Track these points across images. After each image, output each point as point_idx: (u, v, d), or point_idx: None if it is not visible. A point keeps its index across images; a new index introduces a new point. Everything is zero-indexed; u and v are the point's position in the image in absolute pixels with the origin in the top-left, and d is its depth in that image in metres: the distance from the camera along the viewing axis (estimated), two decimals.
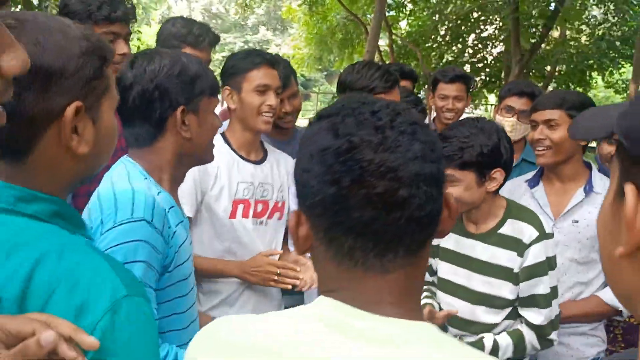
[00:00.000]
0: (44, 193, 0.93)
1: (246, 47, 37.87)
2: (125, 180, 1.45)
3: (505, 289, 1.93)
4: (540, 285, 1.91)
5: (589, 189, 2.29)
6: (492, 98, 17.60)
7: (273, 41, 36.75)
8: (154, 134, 1.50)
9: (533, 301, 1.92)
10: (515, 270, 1.92)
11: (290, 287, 2.15)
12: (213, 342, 0.82)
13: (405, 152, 0.74)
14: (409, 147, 0.74)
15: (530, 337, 1.93)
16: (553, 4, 12.61)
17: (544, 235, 1.92)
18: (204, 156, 1.63)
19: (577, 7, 12.92)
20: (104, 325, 0.83)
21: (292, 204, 2.41)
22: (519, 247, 1.92)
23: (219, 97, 1.77)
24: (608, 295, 2.23)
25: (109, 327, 0.83)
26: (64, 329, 0.77)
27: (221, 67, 2.30)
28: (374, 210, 0.73)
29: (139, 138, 1.53)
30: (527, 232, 1.92)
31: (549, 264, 1.93)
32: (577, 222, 2.27)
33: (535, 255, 1.90)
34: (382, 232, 0.75)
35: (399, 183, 0.73)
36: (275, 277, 2.12)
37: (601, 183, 2.32)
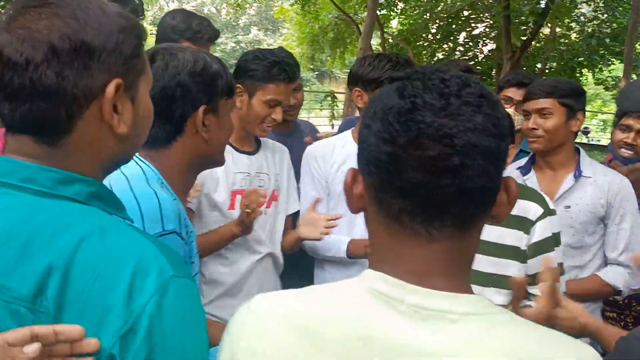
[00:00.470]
0: (81, 175, 0.90)
1: (238, 47, 37.83)
2: (144, 183, 1.33)
3: (513, 268, 1.95)
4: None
5: (578, 174, 2.33)
6: None
7: (265, 41, 36.73)
8: (172, 134, 1.39)
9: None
10: (523, 247, 1.94)
11: (262, 203, 2.13)
12: (256, 322, 0.80)
13: (465, 122, 0.72)
14: (471, 118, 0.73)
15: None
16: (543, 2, 12.67)
17: (548, 212, 1.96)
18: (217, 159, 1.53)
19: (567, 4, 12.98)
20: (152, 306, 0.81)
21: (297, 202, 2.44)
22: (525, 224, 1.94)
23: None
24: (609, 275, 2.28)
25: (156, 308, 0.81)
26: (72, 334, 0.77)
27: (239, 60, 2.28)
28: (424, 174, 0.73)
29: (154, 138, 1.37)
30: (532, 209, 1.95)
31: (555, 239, 1.96)
32: (569, 207, 2.30)
33: (541, 231, 1.93)
34: (431, 197, 0.74)
35: (453, 150, 0.72)
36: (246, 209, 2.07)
37: (590, 167, 2.36)
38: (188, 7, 36.58)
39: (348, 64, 18.34)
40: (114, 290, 0.80)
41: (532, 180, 2.39)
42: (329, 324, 0.76)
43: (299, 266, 2.37)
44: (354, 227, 2.31)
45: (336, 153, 2.40)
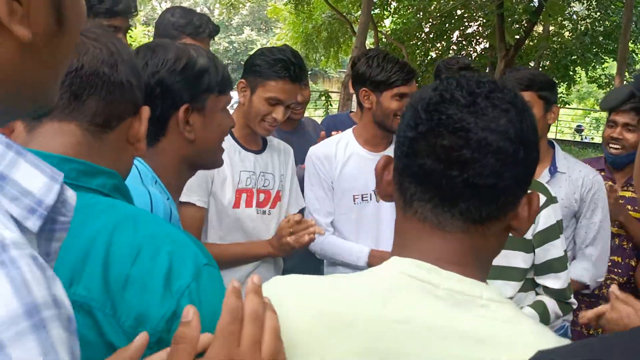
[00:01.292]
0: (104, 167, 0.95)
1: (231, 47, 37.75)
2: (137, 182, 1.31)
3: (519, 258, 1.95)
4: (554, 250, 1.94)
5: (553, 170, 2.35)
6: None
7: (258, 41, 36.67)
8: (156, 134, 1.36)
9: (550, 267, 1.95)
10: (528, 237, 1.94)
11: (312, 239, 2.09)
12: (275, 305, 0.79)
13: (487, 121, 0.75)
14: (494, 120, 0.76)
15: (552, 305, 1.96)
16: (537, 0, 12.69)
17: (551, 200, 1.96)
18: (211, 160, 1.50)
19: (560, 3, 13.02)
20: (191, 291, 0.83)
21: (304, 203, 2.42)
22: None
23: (234, 93, 1.70)
24: (577, 271, 2.31)
25: (195, 292, 0.84)
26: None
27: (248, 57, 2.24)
28: (435, 161, 0.76)
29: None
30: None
31: (559, 227, 1.97)
32: None
33: (546, 219, 1.94)
34: (440, 185, 0.77)
35: (466, 142, 0.75)
36: (290, 237, 2.07)
37: (565, 162, 2.38)
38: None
39: (342, 63, 18.33)
40: (154, 274, 0.82)
41: None
42: (358, 307, 0.78)
43: (303, 267, 2.33)
44: (379, 245, 2.33)
45: (339, 152, 2.41)
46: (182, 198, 1.89)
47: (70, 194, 0.59)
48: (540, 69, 15.49)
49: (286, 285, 0.85)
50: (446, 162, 0.75)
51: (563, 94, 17.62)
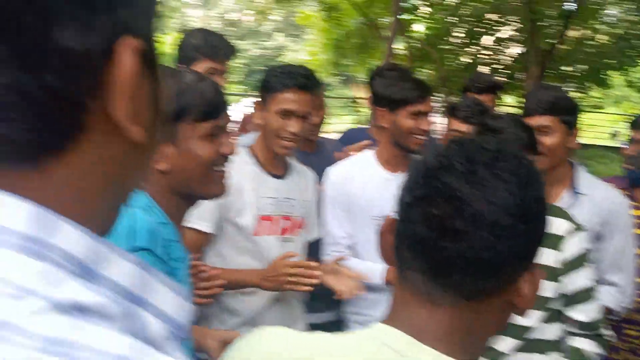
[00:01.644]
0: None
1: (262, 53, 38.01)
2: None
3: (547, 290, 1.86)
4: (583, 279, 1.86)
5: (574, 191, 2.26)
6: (510, 99, 17.47)
7: (289, 47, 36.88)
8: None
9: (578, 298, 1.87)
10: (554, 265, 1.86)
11: (308, 289, 2.04)
12: (259, 356, 0.80)
13: (485, 192, 0.72)
14: (492, 191, 0.72)
15: (588, 346, 1.87)
16: (569, 4, 12.50)
17: (578, 228, 1.90)
18: (201, 191, 1.39)
19: (593, 6, 12.80)
20: None
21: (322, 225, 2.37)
22: (553, 241, 1.87)
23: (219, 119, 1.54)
24: (601, 296, 2.18)
25: None
26: None
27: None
28: (428, 230, 0.74)
29: None
30: (560, 225, 1.88)
31: (587, 256, 1.90)
32: None
33: (575, 247, 1.87)
34: (433, 257, 0.74)
35: (459, 213, 0.72)
36: (290, 279, 2.01)
37: (587, 184, 2.28)
38: (212, 14, 36.97)
39: (371, 69, 18.27)
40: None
41: None
42: None
43: (323, 294, 2.22)
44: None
45: (358, 173, 2.35)
46: (186, 223, 1.87)
47: None
48: (575, 74, 15.24)
49: (263, 339, 0.83)
50: (439, 232, 0.73)
51: (597, 98, 17.31)
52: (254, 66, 35.79)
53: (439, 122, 5.41)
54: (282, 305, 2.19)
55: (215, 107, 1.37)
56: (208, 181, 1.38)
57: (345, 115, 18.29)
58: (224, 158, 1.40)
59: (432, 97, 2.37)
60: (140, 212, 1.27)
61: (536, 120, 2.24)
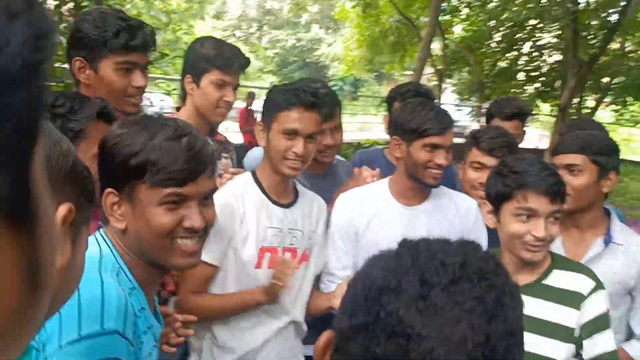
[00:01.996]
0: None
1: (298, 44, 38.07)
2: (94, 269, 1.17)
3: (553, 347, 1.76)
4: (606, 342, 1.75)
5: (608, 240, 2.14)
6: (546, 107, 17.21)
7: (325, 40, 36.83)
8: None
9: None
10: (571, 325, 1.76)
11: (288, 276, 1.95)
12: None
13: (440, 326, 0.58)
14: (449, 324, 0.58)
15: None
16: (614, 15, 12.24)
17: (600, 285, 1.78)
18: (160, 261, 1.27)
19: (638, 19, 12.52)
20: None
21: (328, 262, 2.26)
22: (573, 299, 1.76)
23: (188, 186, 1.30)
24: (634, 351, 2.11)
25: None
26: None
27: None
28: (375, 345, 0.60)
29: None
30: (581, 282, 1.78)
31: (609, 316, 1.78)
32: None
33: (596, 306, 1.76)
34: None
35: (404, 353, 0.58)
36: (276, 282, 1.95)
37: (621, 233, 2.16)
38: (251, 3, 37.06)
39: (408, 67, 18.18)
40: None
41: (556, 240, 2.21)
42: None
43: (322, 325, 2.20)
44: None
45: (370, 203, 2.22)
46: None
47: None
48: (613, 86, 14.94)
49: None
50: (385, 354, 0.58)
51: (636, 113, 16.95)
52: (289, 57, 35.85)
53: (469, 127, 5.28)
54: (277, 345, 2.10)
55: (183, 174, 1.21)
56: (167, 253, 1.26)
57: (376, 115, 18.18)
58: (189, 231, 1.25)
59: (453, 129, 2.17)
60: (109, 278, 1.17)
61: (566, 158, 2.14)
